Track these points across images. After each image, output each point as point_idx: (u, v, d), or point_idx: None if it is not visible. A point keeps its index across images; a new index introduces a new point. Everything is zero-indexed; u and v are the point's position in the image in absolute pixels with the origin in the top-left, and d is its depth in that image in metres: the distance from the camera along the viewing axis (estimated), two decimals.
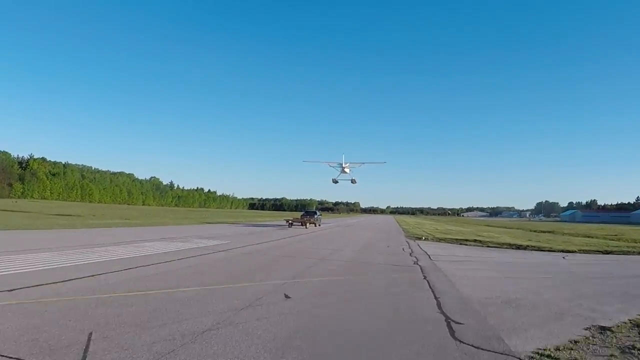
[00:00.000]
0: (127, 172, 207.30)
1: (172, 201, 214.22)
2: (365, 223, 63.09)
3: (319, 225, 40.39)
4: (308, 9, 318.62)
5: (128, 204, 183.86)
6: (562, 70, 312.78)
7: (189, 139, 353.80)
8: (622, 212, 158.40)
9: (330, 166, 38.51)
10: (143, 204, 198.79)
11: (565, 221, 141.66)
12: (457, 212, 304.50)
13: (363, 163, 39.09)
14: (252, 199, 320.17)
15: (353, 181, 39.06)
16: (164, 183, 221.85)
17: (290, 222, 36.54)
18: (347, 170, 37.68)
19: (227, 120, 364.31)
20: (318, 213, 44.42)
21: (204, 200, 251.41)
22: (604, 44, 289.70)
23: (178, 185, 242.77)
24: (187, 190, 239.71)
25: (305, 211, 44.77)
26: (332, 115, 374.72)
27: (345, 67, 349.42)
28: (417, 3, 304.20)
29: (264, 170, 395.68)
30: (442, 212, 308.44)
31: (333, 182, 39.07)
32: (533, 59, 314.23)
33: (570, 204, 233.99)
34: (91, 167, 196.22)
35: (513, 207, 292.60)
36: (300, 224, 36.12)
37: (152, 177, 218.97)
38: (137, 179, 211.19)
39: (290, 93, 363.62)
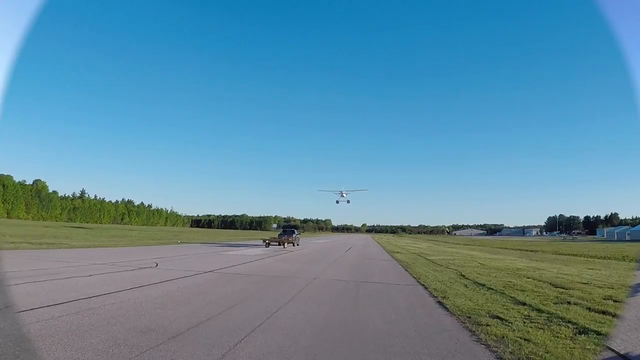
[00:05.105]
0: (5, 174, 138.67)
1: (60, 213, 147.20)
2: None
3: (297, 244, 37.35)
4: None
5: None
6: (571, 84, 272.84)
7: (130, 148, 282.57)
8: None
9: (335, 193, 61.00)
10: (8, 217, 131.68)
11: None
12: (442, 230, 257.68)
13: (353, 190, 61.83)
14: (209, 216, 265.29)
15: (348, 202, 61.39)
16: (52, 190, 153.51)
17: (267, 242, 35.06)
18: (344, 195, 59.37)
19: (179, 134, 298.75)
20: (296, 232, 41.19)
21: (120, 215, 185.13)
22: (613, 55, 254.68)
23: (96, 196, 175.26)
24: (94, 200, 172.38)
25: (283, 229, 44.75)
26: (296, 133, 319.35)
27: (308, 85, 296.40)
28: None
29: (215, 186, 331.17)
30: (425, 231, 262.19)
31: (336, 202, 61.19)
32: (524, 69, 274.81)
33: (587, 217, 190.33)
34: None
35: (502, 224, 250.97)
36: (277, 243, 34.58)
37: (34, 181, 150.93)
38: (13, 182, 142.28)
39: (255, 109, 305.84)
